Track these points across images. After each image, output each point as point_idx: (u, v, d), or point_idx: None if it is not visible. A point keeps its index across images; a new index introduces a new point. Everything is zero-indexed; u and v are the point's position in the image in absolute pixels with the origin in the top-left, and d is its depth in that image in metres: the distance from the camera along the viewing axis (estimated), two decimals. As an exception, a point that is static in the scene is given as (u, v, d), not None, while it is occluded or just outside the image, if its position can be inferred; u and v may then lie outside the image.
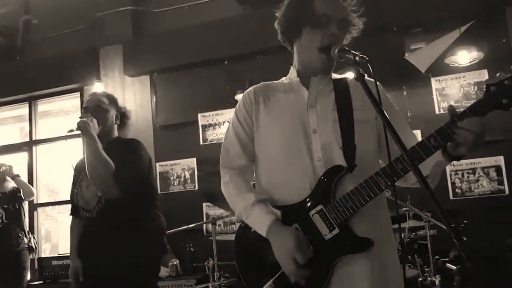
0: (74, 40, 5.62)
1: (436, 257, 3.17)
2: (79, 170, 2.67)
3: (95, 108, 2.54)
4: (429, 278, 3.11)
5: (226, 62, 5.09)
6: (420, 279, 3.14)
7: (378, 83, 1.63)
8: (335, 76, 1.65)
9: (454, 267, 3.15)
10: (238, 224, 1.63)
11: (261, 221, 1.49)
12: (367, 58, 1.36)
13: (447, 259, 3.24)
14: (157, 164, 5.12)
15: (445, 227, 1.01)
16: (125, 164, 2.38)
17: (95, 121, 2.41)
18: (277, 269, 1.44)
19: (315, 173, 1.49)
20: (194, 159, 5.08)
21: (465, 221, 3.13)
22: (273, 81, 1.71)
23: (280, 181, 1.55)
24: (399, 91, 4.50)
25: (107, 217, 2.43)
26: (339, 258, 1.43)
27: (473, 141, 1.30)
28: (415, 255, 3.26)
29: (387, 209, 1.57)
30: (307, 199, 1.48)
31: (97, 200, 2.47)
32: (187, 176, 5.11)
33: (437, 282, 3.08)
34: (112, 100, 2.66)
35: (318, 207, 1.45)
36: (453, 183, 4.29)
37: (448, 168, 4.22)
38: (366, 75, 1.36)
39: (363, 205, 1.40)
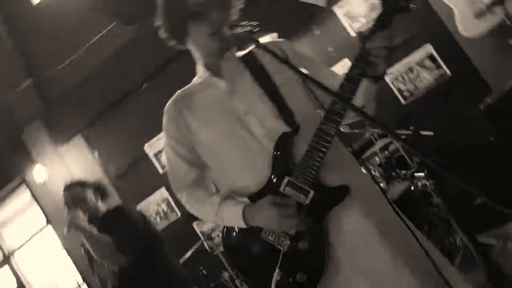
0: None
1: (403, 171, 3.22)
2: (89, 259, 2.89)
3: (73, 202, 2.76)
4: (419, 183, 3.18)
5: (144, 85, 5.00)
6: (413, 188, 3.22)
7: (280, 40, 1.65)
8: (240, 53, 1.63)
9: (422, 174, 3.21)
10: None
11: (234, 215, 1.47)
12: (256, 23, 1.36)
13: (413, 169, 3.28)
14: (132, 212, 4.99)
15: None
16: (121, 235, 2.60)
17: (79, 213, 2.66)
18: (276, 258, 1.43)
19: (267, 151, 1.48)
20: (163, 188, 4.99)
21: (411, 127, 3.16)
22: (187, 86, 1.67)
23: (239, 175, 1.52)
24: (310, 33, 4.54)
25: (129, 282, 2.66)
26: (326, 215, 1.43)
27: (386, 55, 1.32)
28: (397, 170, 3.32)
29: (343, 148, 1.58)
30: (272, 178, 1.46)
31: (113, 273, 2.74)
32: (165, 208, 5.03)
33: (428, 184, 3.15)
34: (83, 184, 2.89)
35: (285, 180, 1.44)
36: (398, 89, 4.39)
37: (387, 79, 4.31)
38: (265, 39, 1.36)
39: (323, 157, 1.40)
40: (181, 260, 3.68)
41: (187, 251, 3.81)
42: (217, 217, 1.51)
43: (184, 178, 1.61)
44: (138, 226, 2.71)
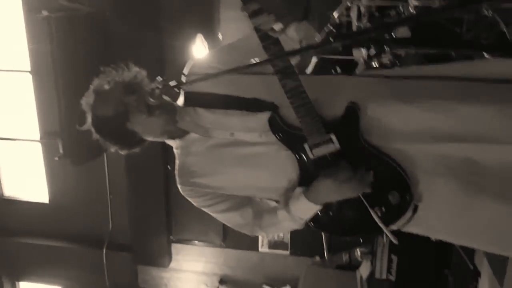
0: None
1: None
2: None
3: None
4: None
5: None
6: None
7: (192, 63, 1.64)
8: (180, 102, 1.62)
9: None
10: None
11: (304, 207, 1.48)
12: (163, 78, 1.39)
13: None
14: None
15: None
16: None
17: None
18: (361, 202, 1.44)
19: (273, 144, 1.48)
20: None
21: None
22: (176, 163, 1.65)
23: (275, 182, 1.54)
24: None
25: None
26: (362, 140, 1.42)
27: None
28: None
29: (316, 78, 1.56)
30: (297, 157, 1.47)
31: None
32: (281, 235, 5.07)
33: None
34: None
35: (306, 147, 1.44)
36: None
37: None
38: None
39: (311, 103, 1.39)
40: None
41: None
42: (295, 222, 1.53)
43: (246, 221, 1.63)
44: None
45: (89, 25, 4.51)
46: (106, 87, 1.55)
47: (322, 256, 4.50)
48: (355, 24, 3.39)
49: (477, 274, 3.42)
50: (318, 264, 4.80)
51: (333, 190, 1.42)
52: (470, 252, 3.42)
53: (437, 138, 1.39)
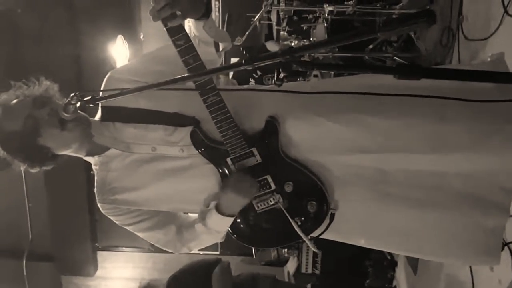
0: None
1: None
2: None
3: None
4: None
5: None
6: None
7: (105, 79, 1.59)
8: (97, 117, 1.58)
9: None
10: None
11: (220, 221, 1.49)
12: (76, 94, 1.30)
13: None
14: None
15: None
16: None
17: None
18: (282, 214, 1.48)
19: (195, 157, 1.49)
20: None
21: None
22: (96, 179, 1.59)
23: (198, 195, 1.54)
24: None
25: None
26: (281, 153, 1.46)
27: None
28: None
29: (235, 93, 1.56)
30: (220, 171, 1.49)
31: None
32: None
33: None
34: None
35: (228, 162, 1.47)
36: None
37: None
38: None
39: (232, 117, 1.41)
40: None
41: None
42: (213, 235, 1.56)
43: (169, 238, 1.63)
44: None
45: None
46: (14, 101, 1.48)
47: (251, 254, 4.59)
48: (275, 27, 3.48)
49: (394, 264, 3.66)
50: (247, 262, 4.87)
51: (234, 199, 1.45)
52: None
53: (348, 150, 1.47)
